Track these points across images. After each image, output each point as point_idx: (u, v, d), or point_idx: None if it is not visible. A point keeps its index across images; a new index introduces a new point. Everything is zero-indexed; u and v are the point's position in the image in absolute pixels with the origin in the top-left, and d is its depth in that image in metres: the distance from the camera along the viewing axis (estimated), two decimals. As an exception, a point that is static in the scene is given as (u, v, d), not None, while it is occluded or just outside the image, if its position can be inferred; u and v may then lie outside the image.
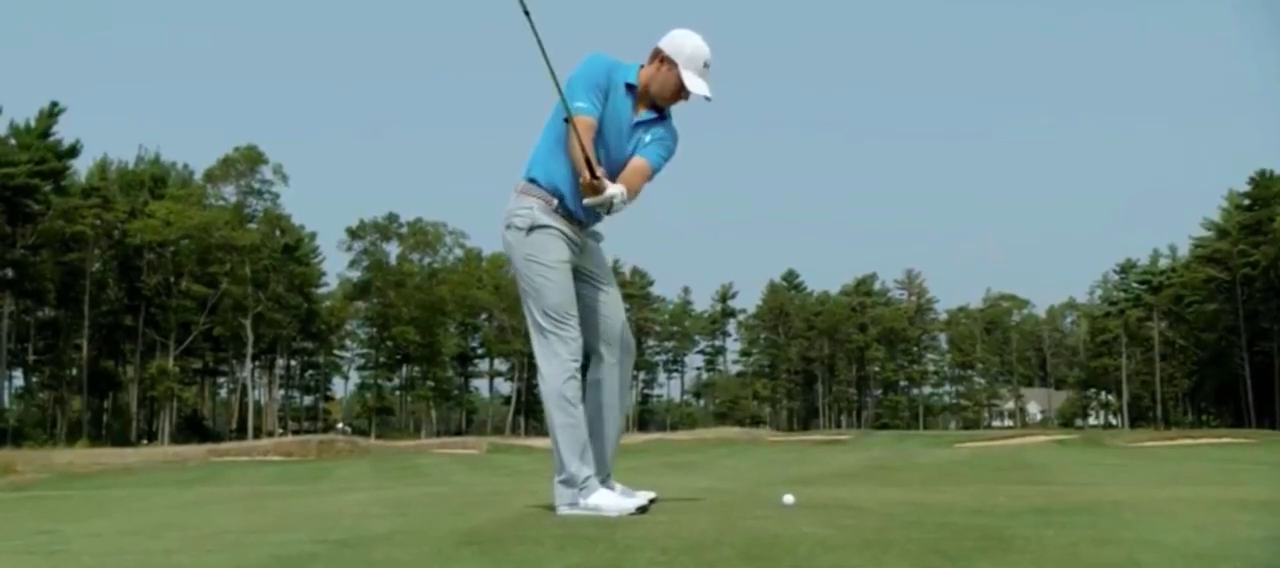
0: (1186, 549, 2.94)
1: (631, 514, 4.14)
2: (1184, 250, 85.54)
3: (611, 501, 4.25)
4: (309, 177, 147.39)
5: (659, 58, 4.46)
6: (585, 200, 4.17)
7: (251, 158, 71.33)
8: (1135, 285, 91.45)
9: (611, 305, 4.60)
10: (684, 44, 4.47)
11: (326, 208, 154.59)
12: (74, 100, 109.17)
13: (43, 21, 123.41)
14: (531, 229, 4.33)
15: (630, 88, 4.43)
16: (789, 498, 4.63)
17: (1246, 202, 75.24)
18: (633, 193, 4.28)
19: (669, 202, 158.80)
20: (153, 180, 71.00)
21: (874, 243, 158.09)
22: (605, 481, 4.52)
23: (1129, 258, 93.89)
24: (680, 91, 4.45)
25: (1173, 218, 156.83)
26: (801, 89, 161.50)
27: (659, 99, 4.46)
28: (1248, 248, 72.33)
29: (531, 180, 4.41)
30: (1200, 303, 79.52)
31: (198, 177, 74.02)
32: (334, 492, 8.36)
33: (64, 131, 63.06)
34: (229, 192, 72.65)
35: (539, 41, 3.92)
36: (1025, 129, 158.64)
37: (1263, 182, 73.32)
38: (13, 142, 60.53)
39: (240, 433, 69.44)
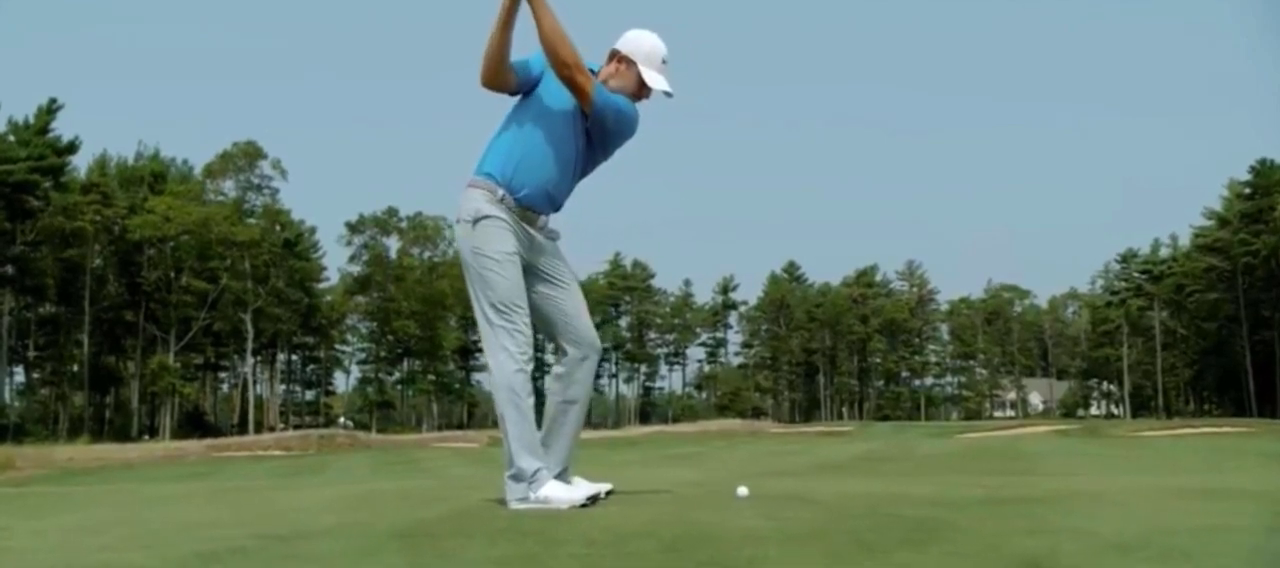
0: (1115, 538, 2.93)
1: (580, 506, 4.13)
2: (1185, 240, 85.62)
3: (562, 492, 4.23)
4: (309, 172, 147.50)
5: (616, 58, 4.45)
6: None
7: (250, 153, 71.40)
8: (1136, 275, 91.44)
9: (574, 301, 4.56)
10: (641, 42, 4.46)
11: (327, 203, 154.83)
12: (73, 97, 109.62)
13: (41, 18, 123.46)
14: (477, 220, 4.29)
15: (592, 73, 4.41)
16: (743, 490, 4.63)
17: (1247, 190, 75.20)
18: (555, 30, 4.11)
19: (670, 194, 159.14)
20: (152, 176, 71.10)
21: (875, 234, 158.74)
22: (563, 475, 4.51)
23: (1130, 247, 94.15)
24: (641, 89, 4.43)
25: (1173, 207, 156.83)
26: (801, 82, 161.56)
27: None
28: (1248, 237, 72.31)
29: (483, 174, 4.39)
30: (1201, 292, 79.50)
31: (197, 172, 74.15)
32: (310, 487, 8.35)
33: (63, 128, 63.38)
34: (228, 187, 72.85)
35: None
36: (1026, 120, 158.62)
37: (1263, 170, 73.25)
38: (11, 138, 60.61)
39: (242, 428, 69.58)
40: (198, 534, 3.60)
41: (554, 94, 4.35)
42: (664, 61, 4.45)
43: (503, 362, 4.27)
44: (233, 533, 3.54)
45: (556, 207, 4.51)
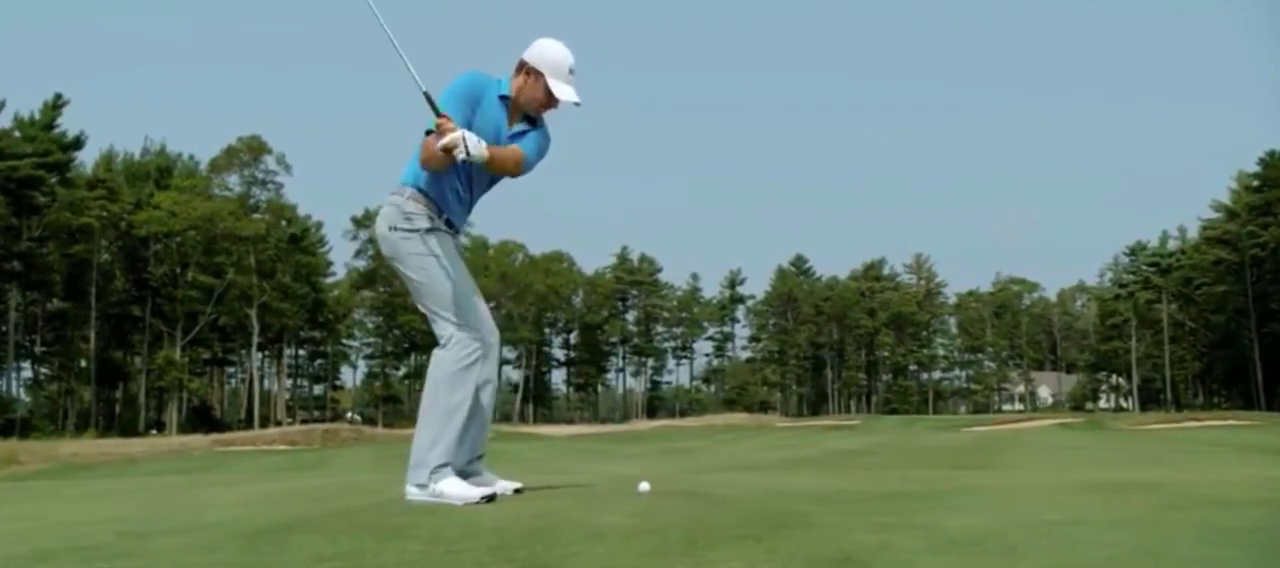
0: (957, 534, 2.89)
1: (474, 503, 4.12)
2: (1193, 232, 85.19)
3: (457, 489, 4.23)
4: (315, 166, 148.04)
5: (524, 69, 4.53)
6: (439, 143, 4.16)
7: (255, 147, 71.58)
8: (1145, 268, 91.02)
9: (478, 294, 4.68)
10: (546, 52, 4.54)
11: (332, 198, 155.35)
12: (78, 92, 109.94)
13: (47, 13, 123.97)
14: (427, 233, 4.43)
15: (504, 99, 4.51)
16: (644, 486, 4.64)
17: (1256, 183, 74.78)
18: (497, 160, 4.32)
19: (677, 188, 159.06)
20: (158, 171, 71.37)
21: (883, 227, 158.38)
22: (477, 462, 4.55)
23: (1138, 240, 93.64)
24: (549, 100, 4.50)
25: (1181, 200, 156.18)
26: (810, 74, 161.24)
27: (528, 109, 4.54)
28: (1257, 229, 71.95)
29: (418, 190, 4.48)
30: (1209, 285, 79.10)
31: (203, 167, 74.33)
32: (262, 482, 8.36)
33: (68, 123, 63.64)
34: (233, 181, 72.98)
35: (397, 49, 4.37)
36: (1035, 112, 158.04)
37: (1272, 163, 72.80)
38: (17, 134, 60.87)
39: (248, 423, 69.81)
40: (69, 532, 3.61)
41: (480, 121, 4.43)
42: (571, 71, 4.54)
43: (453, 356, 4.39)
44: (100, 530, 3.55)
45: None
